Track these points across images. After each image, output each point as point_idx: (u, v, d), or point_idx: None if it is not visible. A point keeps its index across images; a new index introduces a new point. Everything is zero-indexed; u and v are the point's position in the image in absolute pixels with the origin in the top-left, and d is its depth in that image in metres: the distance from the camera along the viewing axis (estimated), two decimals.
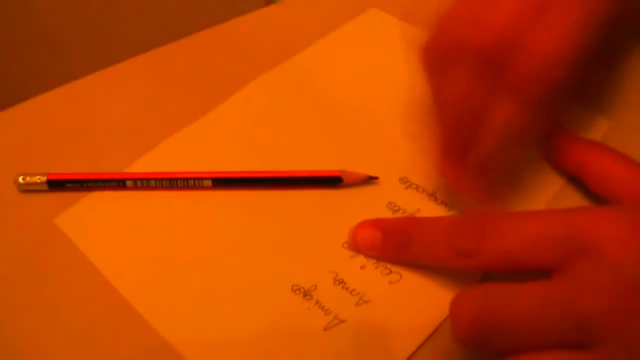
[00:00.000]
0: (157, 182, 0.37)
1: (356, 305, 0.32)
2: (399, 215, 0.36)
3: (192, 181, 0.37)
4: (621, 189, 0.34)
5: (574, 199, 0.37)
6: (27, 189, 0.38)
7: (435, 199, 0.37)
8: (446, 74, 0.33)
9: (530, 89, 0.31)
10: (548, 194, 0.37)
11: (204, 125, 0.41)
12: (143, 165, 0.39)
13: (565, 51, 0.31)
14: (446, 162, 0.35)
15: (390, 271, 0.33)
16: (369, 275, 0.33)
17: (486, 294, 0.27)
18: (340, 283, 0.33)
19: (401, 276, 0.33)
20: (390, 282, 0.33)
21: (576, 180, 0.37)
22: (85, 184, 0.37)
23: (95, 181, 0.37)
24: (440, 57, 0.33)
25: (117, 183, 0.37)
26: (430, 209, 0.36)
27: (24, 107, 0.43)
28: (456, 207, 0.36)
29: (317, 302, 0.32)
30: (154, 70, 0.46)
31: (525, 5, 0.31)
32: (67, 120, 0.42)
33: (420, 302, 0.32)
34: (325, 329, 0.31)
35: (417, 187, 0.37)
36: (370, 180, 0.37)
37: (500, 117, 0.32)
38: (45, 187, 0.37)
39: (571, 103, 0.37)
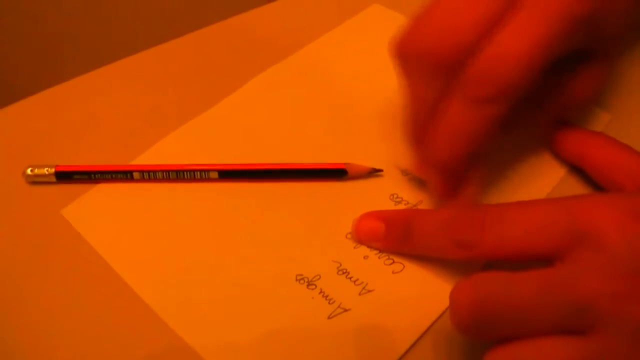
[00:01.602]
0: (164, 174, 0.37)
1: (359, 294, 0.33)
2: (401, 206, 0.37)
3: (198, 173, 0.37)
4: (623, 178, 0.34)
5: (576, 189, 0.37)
6: (35, 181, 0.38)
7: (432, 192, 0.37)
8: (412, 76, 0.34)
9: (487, 90, 0.30)
10: (549, 183, 0.37)
11: (209, 119, 0.42)
12: (150, 158, 0.39)
13: (529, 52, 0.30)
14: (412, 156, 0.36)
15: (393, 261, 0.34)
16: (372, 265, 0.34)
17: (486, 281, 0.27)
18: (343, 273, 0.34)
19: (404, 266, 0.34)
20: (393, 272, 0.33)
21: (578, 170, 0.37)
22: (92, 176, 0.38)
23: (102, 173, 0.38)
24: (405, 60, 0.33)
25: (125, 175, 0.38)
26: (433, 201, 0.37)
27: (32, 101, 0.44)
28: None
29: (321, 291, 0.33)
30: (160, 65, 0.47)
31: (493, 8, 0.31)
32: (75, 113, 0.43)
33: (422, 291, 0.33)
34: (329, 318, 0.32)
35: (420, 179, 0.38)
36: (374, 172, 0.38)
37: (454, 118, 0.32)
38: (53, 178, 0.38)
39: (563, 102, 0.37)
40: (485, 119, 0.31)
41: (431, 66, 0.32)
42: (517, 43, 0.30)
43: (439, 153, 0.33)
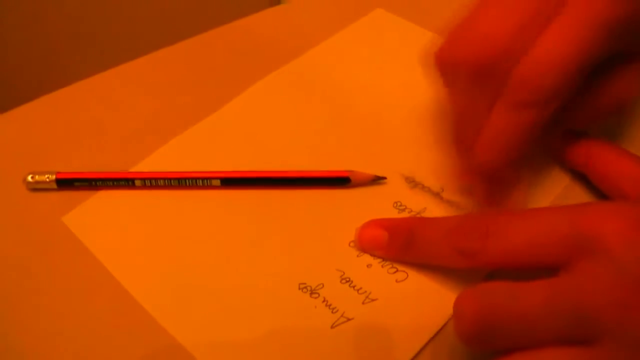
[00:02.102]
0: (166, 181, 0.37)
1: (363, 303, 0.32)
2: (405, 214, 0.36)
3: (200, 181, 0.37)
4: (628, 186, 0.34)
5: (580, 196, 0.37)
6: (36, 188, 0.38)
7: (441, 198, 0.37)
8: (453, 85, 0.34)
9: (526, 95, 0.31)
10: (553, 191, 0.37)
11: (210, 125, 0.42)
12: (152, 164, 0.39)
13: (567, 57, 0.30)
14: (457, 166, 0.36)
15: (397, 270, 0.34)
16: (376, 274, 0.34)
17: (490, 292, 0.27)
18: (347, 281, 0.33)
19: (407, 275, 0.33)
20: (396, 281, 0.33)
21: (582, 177, 0.37)
22: (93, 183, 0.37)
23: (104, 180, 0.37)
24: (447, 69, 0.34)
25: (126, 182, 0.37)
26: (436, 208, 0.37)
27: (33, 106, 0.43)
28: (462, 206, 0.37)
29: (324, 300, 0.32)
30: (161, 69, 0.46)
31: (531, 15, 0.31)
32: (76, 119, 0.43)
33: (426, 300, 0.33)
34: (332, 327, 0.31)
35: (423, 187, 0.37)
36: (377, 180, 0.38)
37: (496, 124, 0.32)
38: (54, 185, 0.38)
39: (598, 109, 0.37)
40: (527, 124, 0.31)
41: (471, 75, 0.32)
42: (559, 47, 0.30)
43: (483, 159, 0.33)
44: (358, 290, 0.33)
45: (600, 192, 0.36)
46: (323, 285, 0.33)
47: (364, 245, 0.34)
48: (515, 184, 0.35)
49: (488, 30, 0.31)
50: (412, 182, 0.38)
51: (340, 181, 0.37)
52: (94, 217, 0.37)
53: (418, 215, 0.36)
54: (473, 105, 0.33)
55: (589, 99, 0.35)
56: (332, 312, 0.32)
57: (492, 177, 0.34)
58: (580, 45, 0.30)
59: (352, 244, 0.35)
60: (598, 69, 0.33)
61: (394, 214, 0.36)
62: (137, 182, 0.37)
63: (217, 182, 0.37)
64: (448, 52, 0.33)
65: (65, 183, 0.38)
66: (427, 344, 0.31)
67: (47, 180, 0.38)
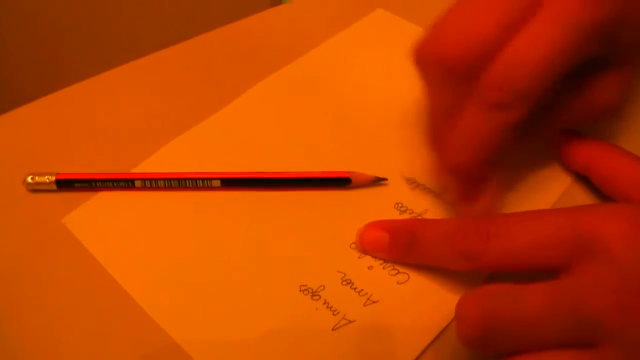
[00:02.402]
0: (166, 182, 0.37)
1: (364, 305, 0.32)
2: (406, 215, 0.36)
3: (200, 181, 0.37)
4: (629, 188, 0.34)
5: (581, 198, 0.37)
6: (36, 189, 0.38)
7: (443, 200, 0.37)
8: (431, 83, 0.34)
9: (499, 96, 0.30)
10: (555, 193, 0.37)
11: (211, 126, 0.42)
12: (152, 165, 0.39)
13: (541, 59, 0.30)
14: (431, 161, 0.36)
15: (398, 272, 0.34)
16: (377, 276, 0.33)
17: (492, 295, 0.27)
18: (348, 283, 0.33)
19: (409, 277, 0.33)
20: (397, 283, 0.33)
21: (583, 179, 0.37)
22: (93, 184, 0.37)
23: (104, 181, 0.37)
24: (423, 66, 0.34)
25: (126, 183, 0.37)
26: (438, 210, 0.36)
27: (33, 107, 0.43)
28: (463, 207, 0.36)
29: (325, 302, 0.32)
30: (162, 71, 0.46)
31: (508, 15, 0.31)
32: (76, 120, 0.43)
33: (427, 302, 0.32)
34: (333, 329, 0.31)
35: (425, 188, 0.37)
36: (378, 181, 0.37)
37: (468, 124, 0.32)
38: (54, 186, 0.37)
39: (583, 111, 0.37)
40: (499, 125, 0.31)
41: (448, 72, 0.32)
42: (534, 49, 0.30)
43: (454, 157, 0.33)
44: (359, 292, 0.33)
45: (602, 193, 0.36)
46: (324, 287, 0.33)
47: (365, 246, 0.34)
48: (490, 184, 0.35)
49: (465, 29, 0.31)
50: (414, 183, 0.38)
51: (340, 182, 0.37)
52: (93, 218, 0.37)
53: (419, 217, 0.36)
54: (447, 103, 0.33)
55: (574, 103, 0.35)
56: (333, 314, 0.32)
57: (466, 177, 0.34)
58: (555, 47, 0.30)
59: (353, 246, 0.35)
60: (582, 73, 0.33)
61: (395, 215, 0.36)
62: (137, 183, 0.37)
63: (217, 183, 0.37)
64: (426, 50, 0.33)
65: (65, 184, 0.37)
66: (428, 346, 0.31)
67: (47, 181, 0.37)
